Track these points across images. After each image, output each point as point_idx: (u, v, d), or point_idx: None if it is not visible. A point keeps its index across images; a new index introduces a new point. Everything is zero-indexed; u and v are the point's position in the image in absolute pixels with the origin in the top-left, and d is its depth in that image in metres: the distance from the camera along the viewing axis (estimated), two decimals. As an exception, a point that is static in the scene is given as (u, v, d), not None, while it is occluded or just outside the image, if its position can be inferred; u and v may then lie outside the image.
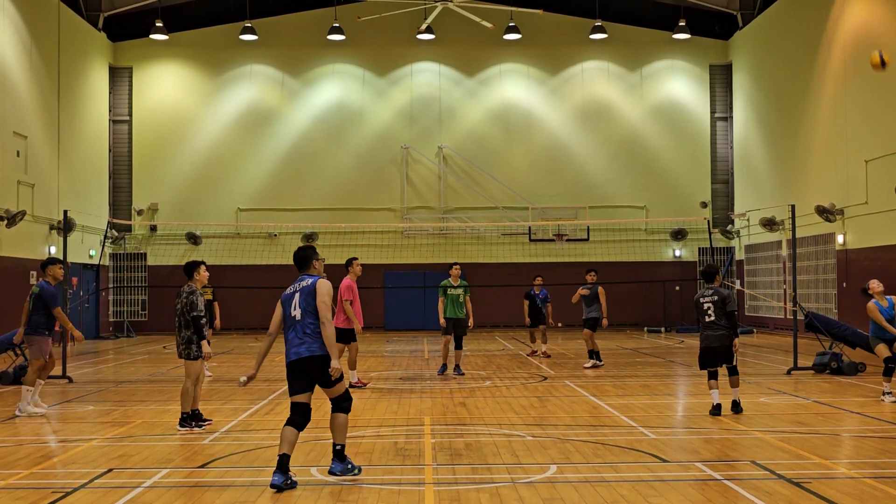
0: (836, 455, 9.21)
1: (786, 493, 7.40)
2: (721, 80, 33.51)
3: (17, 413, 12.14)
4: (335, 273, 32.21)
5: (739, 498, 7.29)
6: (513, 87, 33.53)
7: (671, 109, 33.45)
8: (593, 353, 18.36)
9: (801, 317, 17.85)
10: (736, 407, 11.77)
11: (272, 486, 7.60)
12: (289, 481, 7.63)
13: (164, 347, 25.51)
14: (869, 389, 14.26)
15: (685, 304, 32.51)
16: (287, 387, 8.03)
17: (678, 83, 33.53)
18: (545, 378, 16.37)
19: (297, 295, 8.04)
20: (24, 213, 24.43)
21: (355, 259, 15.59)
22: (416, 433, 10.44)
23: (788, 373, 16.69)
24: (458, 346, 16.89)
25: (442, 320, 16.51)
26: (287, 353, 7.90)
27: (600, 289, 18.39)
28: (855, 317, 23.06)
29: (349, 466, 8.07)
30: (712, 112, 33.55)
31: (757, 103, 31.04)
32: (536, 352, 21.49)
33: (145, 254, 32.22)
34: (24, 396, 12.29)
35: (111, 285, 31.54)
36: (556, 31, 33.15)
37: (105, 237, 23.85)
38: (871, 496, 7.32)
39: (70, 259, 23.16)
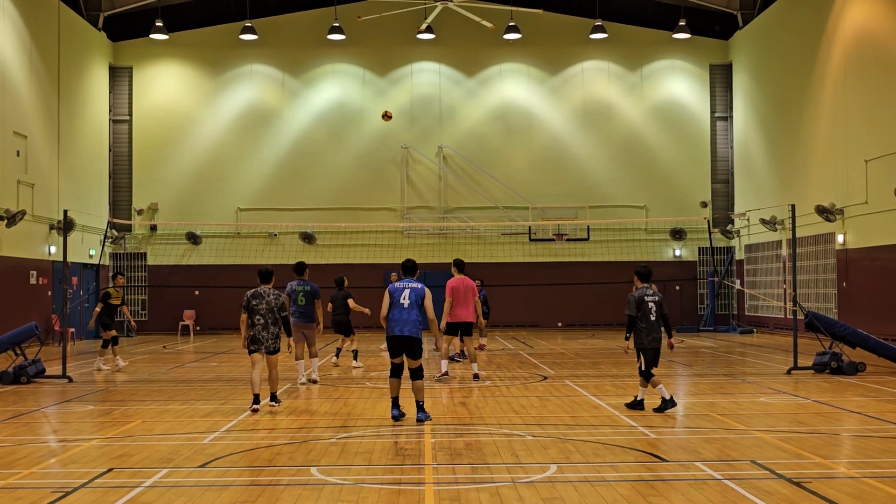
0: (836, 455, 9.20)
1: (786, 493, 7.40)
2: (721, 80, 33.51)
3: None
4: (334, 273, 32.19)
5: (739, 498, 7.28)
6: (513, 86, 33.53)
7: (671, 109, 33.45)
8: None
9: (801, 317, 17.84)
10: (641, 405, 11.98)
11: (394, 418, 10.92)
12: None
13: (164, 347, 25.52)
14: (869, 389, 14.27)
15: (685, 305, 32.53)
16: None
17: (678, 83, 33.53)
18: (545, 378, 16.37)
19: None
20: (24, 213, 24.44)
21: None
22: (416, 433, 10.44)
23: (788, 373, 16.69)
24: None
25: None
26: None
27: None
28: (855, 317, 23.08)
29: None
30: (712, 112, 33.55)
31: (757, 103, 31.04)
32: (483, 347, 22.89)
33: (145, 254, 32.23)
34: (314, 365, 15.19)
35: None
36: (556, 31, 33.15)
37: (105, 237, 23.85)
38: (871, 496, 7.32)
39: (70, 259, 23.16)
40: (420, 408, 11.10)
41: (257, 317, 12.11)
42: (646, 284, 11.99)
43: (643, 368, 11.90)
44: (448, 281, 16.05)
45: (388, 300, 11.22)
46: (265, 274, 12.49)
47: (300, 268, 15.38)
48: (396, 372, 11.28)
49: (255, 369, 12.14)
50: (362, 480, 8.02)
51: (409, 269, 11.60)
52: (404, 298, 11.11)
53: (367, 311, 18.72)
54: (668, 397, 11.75)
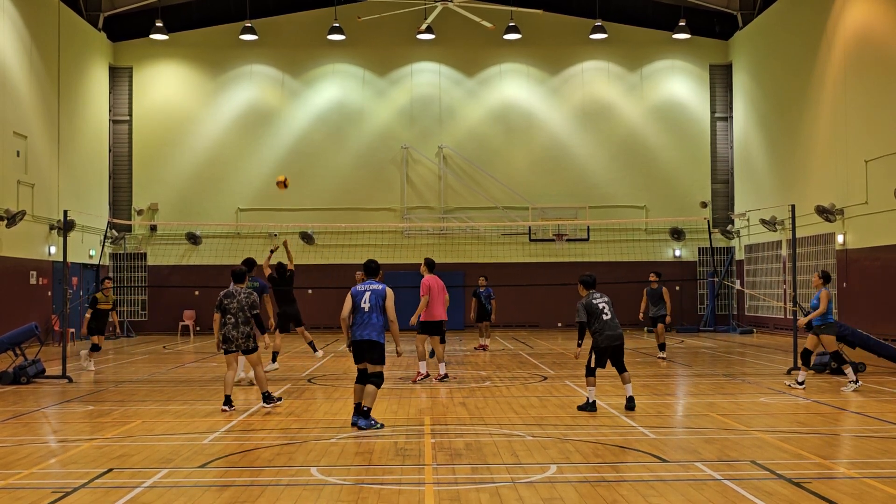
0: (836, 455, 9.21)
1: (786, 493, 7.40)
2: (721, 80, 33.52)
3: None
4: (334, 273, 31.96)
5: (739, 498, 7.28)
6: (513, 87, 33.53)
7: (671, 109, 33.45)
8: (662, 346, 20.18)
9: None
10: (632, 403, 12.00)
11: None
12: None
13: (164, 347, 25.52)
14: (869, 389, 14.27)
15: (685, 304, 32.52)
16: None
17: (678, 83, 33.53)
18: (545, 378, 16.38)
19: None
20: (24, 213, 24.44)
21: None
22: (416, 433, 10.44)
23: (788, 373, 16.68)
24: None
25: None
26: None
27: (664, 289, 20.02)
28: (855, 317, 23.07)
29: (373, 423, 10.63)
30: (712, 112, 33.55)
31: (757, 103, 31.04)
32: (485, 347, 23.04)
33: (145, 254, 32.23)
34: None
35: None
36: (556, 31, 33.16)
37: (105, 237, 23.84)
38: (871, 496, 7.32)
39: (70, 259, 23.16)
40: (364, 413, 10.63)
41: (228, 316, 12.05)
42: (591, 290, 12.11)
43: (591, 366, 11.99)
44: (423, 279, 15.68)
45: (350, 303, 10.75)
46: (237, 274, 12.39)
47: (249, 264, 14.96)
48: (361, 378, 10.84)
49: (228, 370, 12.16)
50: (362, 480, 8.02)
51: (371, 270, 11.23)
52: (365, 302, 10.65)
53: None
54: (592, 400, 11.96)
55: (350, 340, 10.79)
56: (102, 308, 18.44)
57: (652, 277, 20.77)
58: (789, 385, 14.50)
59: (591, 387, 12.01)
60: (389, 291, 10.82)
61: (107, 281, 18.92)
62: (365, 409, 10.63)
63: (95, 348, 18.39)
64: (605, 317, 11.89)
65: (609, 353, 11.97)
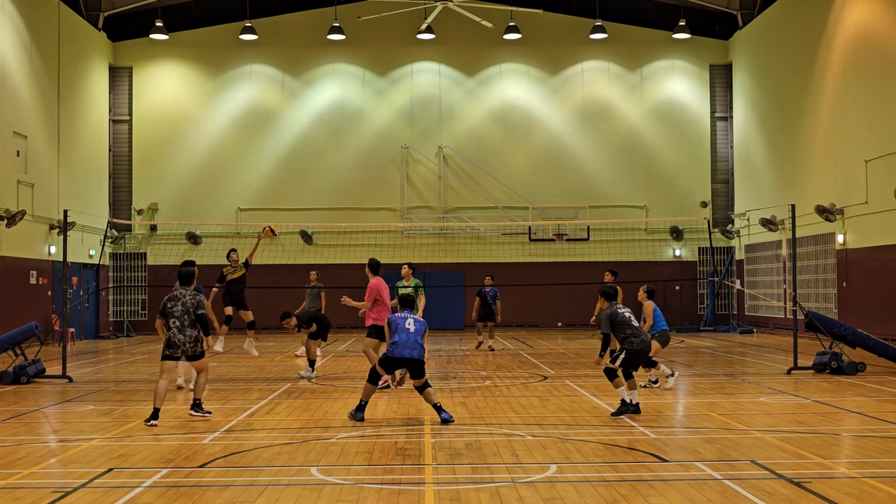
0: (836, 455, 9.21)
1: (786, 493, 7.40)
2: (721, 80, 33.52)
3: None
4: (334, 273, 32.01)
5: (739, 498, 7.29)
6: (513, 87, 33.52)
7: (671, 109, 33.45)
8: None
9: (801, 317, 17.85)
10: (637, 408, 11.80)
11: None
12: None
13: (164, 347, 25.50)
14: (869, 389, 14.27)
15: (685, 304, 32.53)
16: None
17: (678, 83, 33.52)
18: (545, 378, 16.38)
19: None
20: (24, 213, 24.44)
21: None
22: (416, 433, 10.44)
23: (788, 373, 16.69)
24: None
25: None
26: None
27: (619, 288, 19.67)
28: (855, 317, 23.08)
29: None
30: (712, 112, 33.55)
31: (757, 103, 31.04)
32: (481, 344, 22.80)
33: (145, 253, 32.23)
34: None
35: (111, 285, 31.55)
36: (556, 31, 33.16)
37: (105, 237, 23.87)
38: (871, 496, 7.32)
39: (70, 259, 23.16)
40: (440, 409, 11.31)
41: (172, 320, 11.35)
42: (613, 301, 12.09)
43: (616, 368, 11.70)
44: (370, 283, 14.46)
45: (389, 330, 11.73)
46: (184, 275, 11.80)
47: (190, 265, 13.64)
48: (377, 380, 11.72)
49: (161, 378, 11.25)
50: (362, 480, 8.02)
51: (408, 302, 12.20)
52: (409, 325, 11.66)
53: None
54: (629, 400, 11.66)
55: (391, 355, 11.39)
56: (233, 278, 16.86)
57: (608, 277, 20.84)
58: (644, 386, 14.32)
59: (621, 387, 11.70)
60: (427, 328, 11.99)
61: (232, 253, 17.48)
62: (437, 405, 11.33)
63: (251, 325, 17.35)
64: (634, 323, 11.89)
65: (641, 357, 11.93)
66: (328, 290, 21.60)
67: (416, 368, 11.47)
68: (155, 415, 11.07)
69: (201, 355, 11.48)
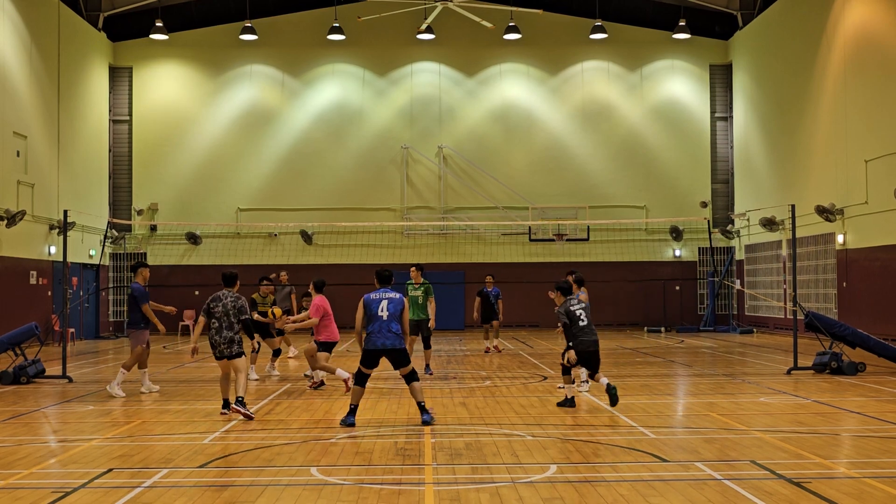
0: (836, 455, 9.21)
1: (786, 493, 7.40)
2: (721, 80, 33.52)
3: (107, 388, 14.10)
4: (334, 273, 32.03)
5: (739, 498, 7.28)
6: (513, 87, 33.53)
7: (671, 109, 33.45)
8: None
9: (801, 317, 17.84)
10: (613, 391, 11.92)
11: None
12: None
13: (163, 347, 25.52)
14: (869, 389, 14.27)
15: (685, 304, 32.53)
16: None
17: (678, 83, 33.53)
18: (545, 378, 16.37)
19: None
20: (24, 213, 24.45)
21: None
22: (416, 433, 10.44)
23: (788, 373, 16.69)
24: (427, 346, 16.94)
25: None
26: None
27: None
28: (855, 317, 23.07)
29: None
30: (712, 112, 33.55)
31: (757, 103, 31.04)
32: (489, 350, 22.08)
33: (145, 254, 32.23)
34: (117, 378, 14.13)
35: (111, 285, 31.54)
36: (556, 31, 33.16)
37: (105, 237, 23.88)
38: (871, 496, 7.32)
39: (70, 259, 23.16)
40: (423, 408, 11.07)
41: (213, 320, 11.74)
42: (569, 297, 12.23)
43: (568, 365, 12.17)
44: (314, 300, 14.41)
45: (363, 311, 10.99)
46: (227, 277, 12.17)
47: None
48: (362, 380, 11.10)
49: (222, 375, 11.98)
50: (362, 480, 8.02)
51: (385, 278, 11.32)
52: (382, 311, 10.91)
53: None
54: (571, 396, 12.32)
55: (366, 347, 10.90)
56: (262, 310, 16.60)
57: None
58: (559, 386, 14.03)
59: (569, 384, 12.40)
60: (406, 301, 11.21)
61: (264, 282, 17.48)
62: (421, 404, 11.06)
63: (276, 353, 17.17)
64: (581, 322, 12.04)
65: (585, 357, 12.14)
66: (328, 289, 21.58)
67: (394, 357, 10.98)
68: (224, 405, 11.85)
69: (237, 355, 11.75)
